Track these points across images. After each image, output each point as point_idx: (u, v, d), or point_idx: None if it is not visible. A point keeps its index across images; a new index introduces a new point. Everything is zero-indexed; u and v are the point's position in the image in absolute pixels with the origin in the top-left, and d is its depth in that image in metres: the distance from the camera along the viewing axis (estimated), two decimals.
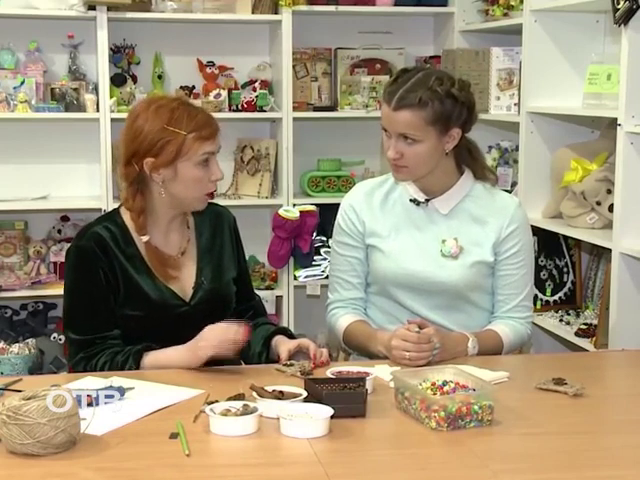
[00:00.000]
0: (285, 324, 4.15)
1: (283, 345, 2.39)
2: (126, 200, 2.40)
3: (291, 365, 2.25)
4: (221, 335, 2.24)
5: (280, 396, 1.95)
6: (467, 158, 2.58)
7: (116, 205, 3.93)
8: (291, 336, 2.49)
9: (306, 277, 4.25)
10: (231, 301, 2.50)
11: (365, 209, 2.60)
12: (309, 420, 1.86)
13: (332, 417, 1.86)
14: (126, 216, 2.40)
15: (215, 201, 2.57)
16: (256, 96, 4.18)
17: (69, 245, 2.47)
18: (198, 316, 2.37)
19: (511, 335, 2.55)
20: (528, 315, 2.62)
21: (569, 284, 3.76)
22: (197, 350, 2.25)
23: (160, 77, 4.25)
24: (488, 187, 2.61)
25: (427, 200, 2.56)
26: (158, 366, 2.28)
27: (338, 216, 2.66)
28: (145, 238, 2.36)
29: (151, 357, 2.30)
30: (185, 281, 2.42)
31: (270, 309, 4.06)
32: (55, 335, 4.07)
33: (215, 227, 2.51)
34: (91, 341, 2.32)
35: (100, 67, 3.99)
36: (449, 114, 2.43)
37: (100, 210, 4.00)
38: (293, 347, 2.36)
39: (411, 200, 2.58)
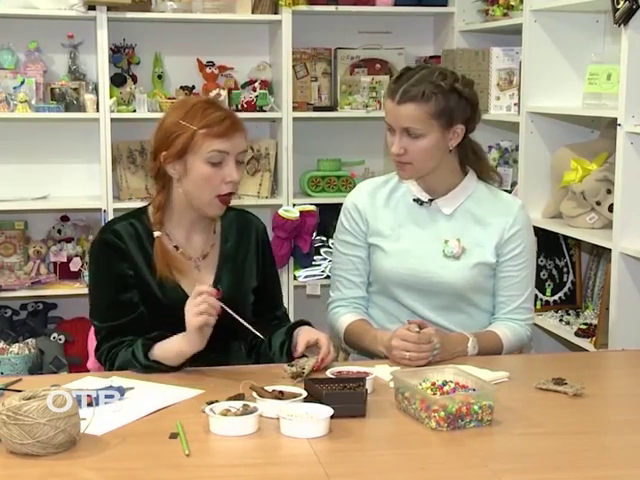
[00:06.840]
0: None
1: (303, 334, 2.36)
2: (153, 196, 2.45)
3: (292, 366, 2.24)
4: (192, 303, 2.20)
5: (280, 396, 1.95)
6: (471, 158, 2.58)
7: (116, 205, 4.01)
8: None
9: (306, 277, 4.25)
10: (245, 310, 2.45)
11: (368, 208, 2.60)
12: (309, 420, 1.86)
13: (332, 417, 1.86)
14: (151, 213, 2.43)
15: None
16: (256, 96, 4.18)
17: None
18: None
19: (511, 337, 2.55)
20: (529, 317, 2.62)
21: (569, 284, 3.76)
22: (188, 328, 2.20)
23: (160, 77, 4.25)
24: (491, 188, 2.62)
25: (430, 200, 2.56)
26: (167, 356, 2.24)
27: (341, 215, 2.66)
28: (157, 234, 2.37)
29: (158, 348, 2.26)
30: (201, 284, 2.41)
31: None
32: (55, 335, 4.08)
33: (242, 235, 2.49)
34: (114, 329, 2.33)
35: (100, 67, 3.99)
36: (452, 109, 2.44)
37: (100, 210, 4.00)
38: (313, 340, 2.32)
39: (414, 200, 2.58)
